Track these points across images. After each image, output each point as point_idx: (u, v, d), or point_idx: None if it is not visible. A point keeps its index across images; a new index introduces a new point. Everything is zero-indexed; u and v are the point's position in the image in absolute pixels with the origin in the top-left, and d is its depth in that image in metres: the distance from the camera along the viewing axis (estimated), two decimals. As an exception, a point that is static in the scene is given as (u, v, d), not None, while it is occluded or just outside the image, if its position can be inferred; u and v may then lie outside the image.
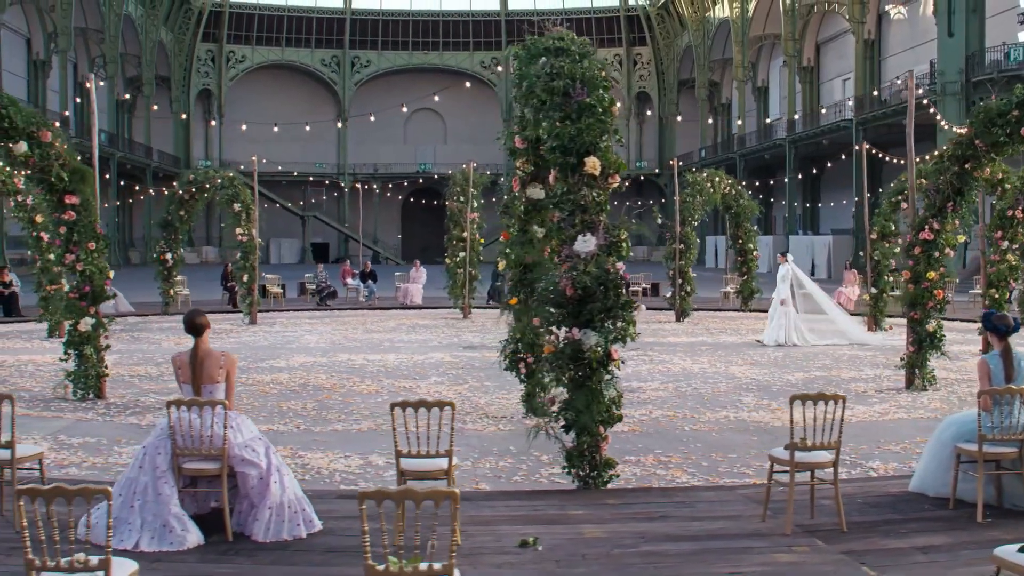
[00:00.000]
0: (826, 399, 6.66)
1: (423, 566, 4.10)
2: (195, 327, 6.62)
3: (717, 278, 37.95)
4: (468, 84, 68.49)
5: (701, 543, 6.35)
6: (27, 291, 25.66)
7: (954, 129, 21.09)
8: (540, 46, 9.06)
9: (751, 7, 60.89)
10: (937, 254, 13.05)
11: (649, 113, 78.17)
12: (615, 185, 7.98)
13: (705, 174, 25.16)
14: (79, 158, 12.29)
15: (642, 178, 76.79)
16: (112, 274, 12.47)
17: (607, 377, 7.72)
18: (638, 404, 12.10)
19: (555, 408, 7.87)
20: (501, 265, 11.40)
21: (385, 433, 10.45)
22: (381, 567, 4.07)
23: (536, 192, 10.88)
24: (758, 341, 19.31)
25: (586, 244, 7.64)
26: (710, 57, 68.69)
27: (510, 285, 11.41)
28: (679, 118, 75.81)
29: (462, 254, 25.11)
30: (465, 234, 25.06)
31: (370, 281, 29.75)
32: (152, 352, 17.70)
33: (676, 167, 26.19)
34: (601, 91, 8.12)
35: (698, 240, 25.72)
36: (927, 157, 29.69)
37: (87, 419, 11.21)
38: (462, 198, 25.26)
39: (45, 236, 19.86)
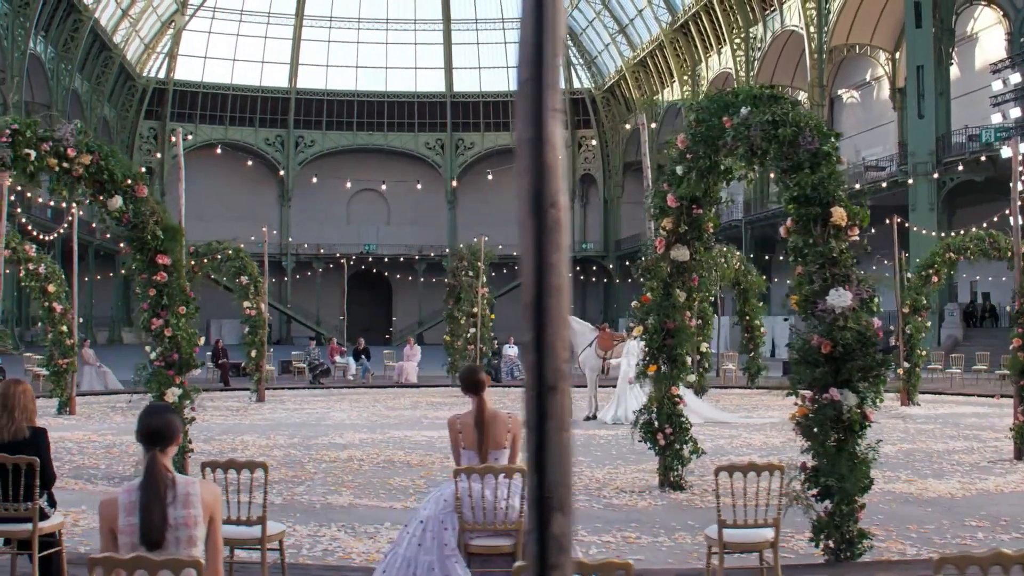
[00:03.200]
0: None
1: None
2: (476, 384, 5.91)
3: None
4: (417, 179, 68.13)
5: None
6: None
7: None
8: (734, 96, 8.62)
9: (702, 91, 61.88)
10: (1048, 321, 12.82)
11: (593, 196, 79.42)
12: (854, 237, 7.51)
13: (718, 248, 24.96)
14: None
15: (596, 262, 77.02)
16: (202, 341, 11.58)
17: (864, 441, 7.16)
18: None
19: (804, 475, 7.24)
20: (638, 331, 10.80)
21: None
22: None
23: (681, 253, 10.38)
24: (588, 417, 17.69)
25: (841, 298, 7.11)
26: (658, 139, 69.42)
27: (645, 351, 10.82)
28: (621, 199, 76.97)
29: (472, 330, 24.34)
30: (475, 310, 24.34)
31: (363, 358, 28.83)
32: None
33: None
34: (833, 139, 7.68)
35: (715, 316, 25.39)
36: (927, 231, 30.02)
37: (191, 498, 10.24)
38: (470, 272, 24.60)
39: (58, 307, 18.82)
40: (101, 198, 10.74)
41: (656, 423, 10.61)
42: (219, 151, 66.05)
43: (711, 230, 10.40)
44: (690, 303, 10.64)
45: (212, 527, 3.72)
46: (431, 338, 68.84)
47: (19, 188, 14.26)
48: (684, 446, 10.64)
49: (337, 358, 29.85)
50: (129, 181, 10.77)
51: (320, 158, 78.96)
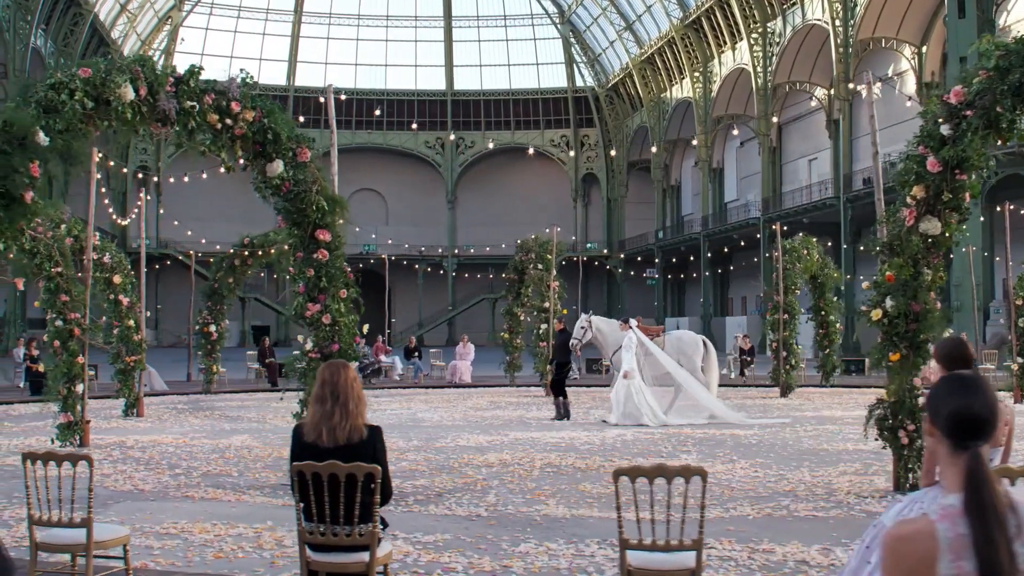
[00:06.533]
0: None
1: None
2: (965, 359, 4.58)
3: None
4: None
5: None
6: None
7: None
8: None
9: (714, 88, 60.81)
10: None
11: (595, 195, 78.32)
12: None
13: (799, 238, 23.76)
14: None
15: (591, 260, 75.70)
16: (366, 329, 10.17)
17: None
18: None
19: None
20: (876, 315, 9.44)
21: (780, 519, 8.39)
22: None
23: (932, 226, 9.08)
24: (604, 421, 16.46)
25: None
26: (664, 138, 68.32)
27: (881, 338, 9.51)
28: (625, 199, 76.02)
29: (544, 327, 22.97)
30: (547, 304, 22.96)
31: (415, 358, 27.41)
32: (283, 430, 15.01)
33: (780, 230, 24.59)
34: None
35: (802, 310, 24.12)
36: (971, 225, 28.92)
37: (375, 509, 8.83)
38: (539, 265, 23.23)
39: (124, 299, 17.31)
40: (260, 162, 9.35)
41: (893, 419, 9.32)
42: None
43: (968, 199, 9.11)
44: (936, 283, 9.35)
45: None
46: (431, 340, 67.24)
47: (111, 163, 12.80)
48: (928, 444, 9.32)
49: (383, 357, 28.43)
50: (292, 143, 9.38)
51: (318, 157, 77.05)
